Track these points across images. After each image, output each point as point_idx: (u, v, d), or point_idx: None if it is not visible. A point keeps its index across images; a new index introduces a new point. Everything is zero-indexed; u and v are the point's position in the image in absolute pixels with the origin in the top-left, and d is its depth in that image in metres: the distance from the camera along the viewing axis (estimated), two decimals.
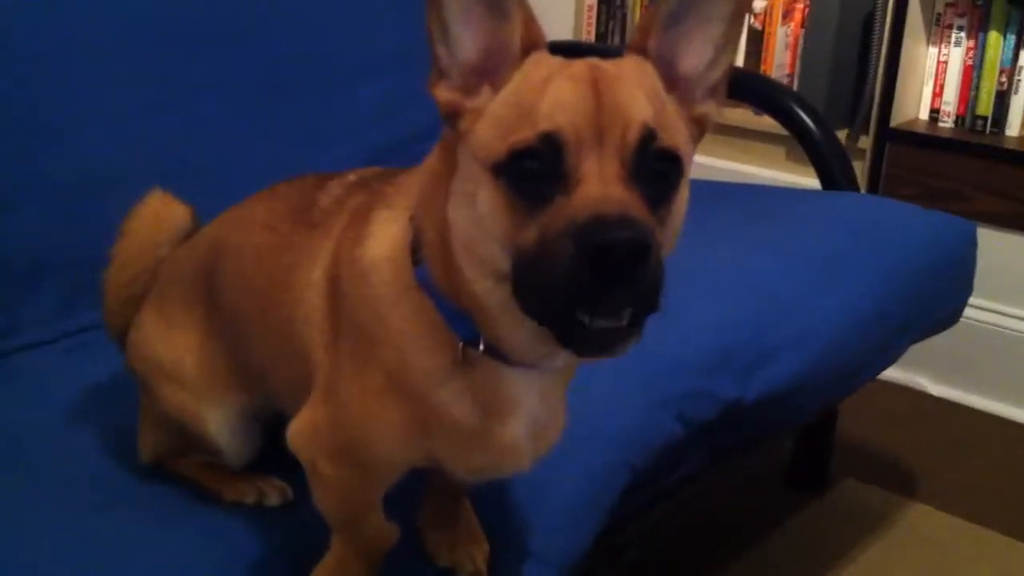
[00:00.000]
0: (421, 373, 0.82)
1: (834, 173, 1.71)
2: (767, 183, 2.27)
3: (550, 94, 0.72)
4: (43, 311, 1.38)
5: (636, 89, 0.74)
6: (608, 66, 0.75)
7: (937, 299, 1.54)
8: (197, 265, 1.08)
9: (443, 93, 0.76)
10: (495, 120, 0.74)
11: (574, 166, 0.70)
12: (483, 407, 0.84)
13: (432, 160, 0.81)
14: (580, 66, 0.74)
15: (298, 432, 0.90)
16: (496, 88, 0.75)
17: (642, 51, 0.78)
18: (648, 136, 0.72)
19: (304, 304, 0.91)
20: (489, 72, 0.75)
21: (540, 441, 0.88)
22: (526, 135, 0.71)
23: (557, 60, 0.76)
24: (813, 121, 1.73)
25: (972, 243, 1.61)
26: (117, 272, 1.16)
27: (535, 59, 0.76)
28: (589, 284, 0.68)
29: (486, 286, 0.76)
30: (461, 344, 0.81)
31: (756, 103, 2.09)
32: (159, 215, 1.16)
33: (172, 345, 1.06)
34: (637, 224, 0.68)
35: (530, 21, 0.75)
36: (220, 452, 1.06)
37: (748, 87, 1.91)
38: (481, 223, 0.74)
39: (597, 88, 0.72)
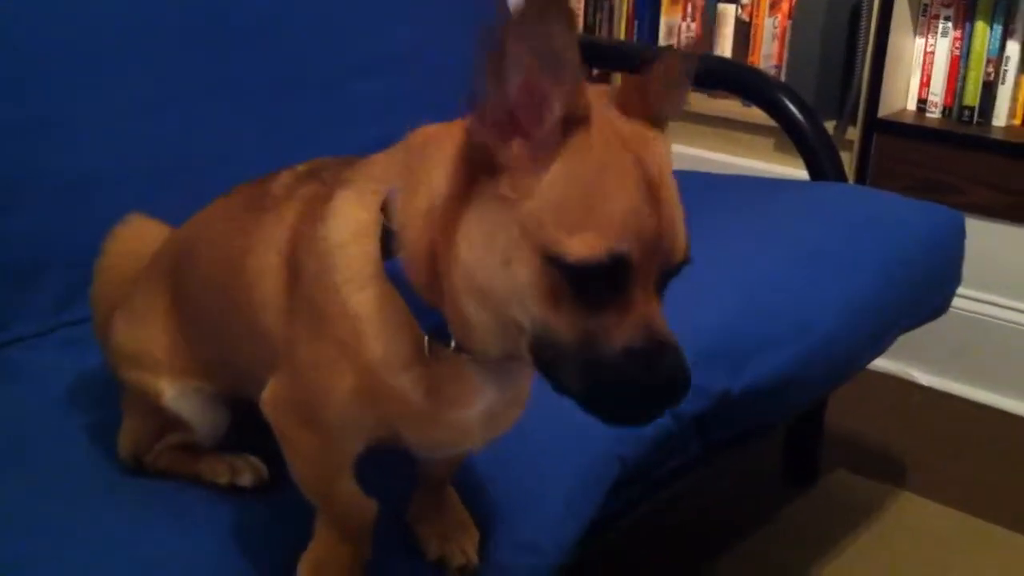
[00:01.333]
0: (380, 358, 0.83)
1: (822, 164, 1.71)
2: (755, 174, 2.27)
3: (616, 202, 0.72)
4: (40, 307, 1.39)
5: (677, 194, 0.76)
6: (651, 158, 0.75)
7: (926, 289, 1.55)
8: (162, 262, 1.11)
9: (478, 127, 0.74)
10: (554, 205, 0.73)
11: (630, 284, 0.73)
12: (439, 395, 0.84)
13: (433, 167, 0.79)
14: (629, 159, 0.74)
15: (266, 400, 0.92)
16: (534, 151, 0.73)
17: (658, 123, 0.78)
18: (687, 260, 0.76)
19: (259, 288, 0.92)
20: (523, 126, 0.73)
21: (494, 424, 0.90)
22: (597, 252, 0.71)
23: (601, 138, 0.74)
24: (801, 112, 1.73)
25: (960, 233, 1.61)
26: (101, 287, 1.20)
27: (585, 139, 0.74)
28: (636, 403, 0.74)
29: (483, 318, 0.77)
30: (427, 339, 0.81)
31: (744, 94, 2.08)
32: (138, 233, 1.20)
33: (137, 337, 1.08)
34: (683, 355, 0.74)
35: (581, 92, 0.73)
36: (191, 429, 1.08)
37: (736, 78, 1.91)
38: (510, 285, 0.74)
39: (655, 197, 0.73)
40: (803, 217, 1.53)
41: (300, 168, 0.98)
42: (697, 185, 1.75)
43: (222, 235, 1.00)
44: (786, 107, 1.74)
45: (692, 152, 2.53)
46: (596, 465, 1.11)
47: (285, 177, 0.97)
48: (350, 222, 0.83)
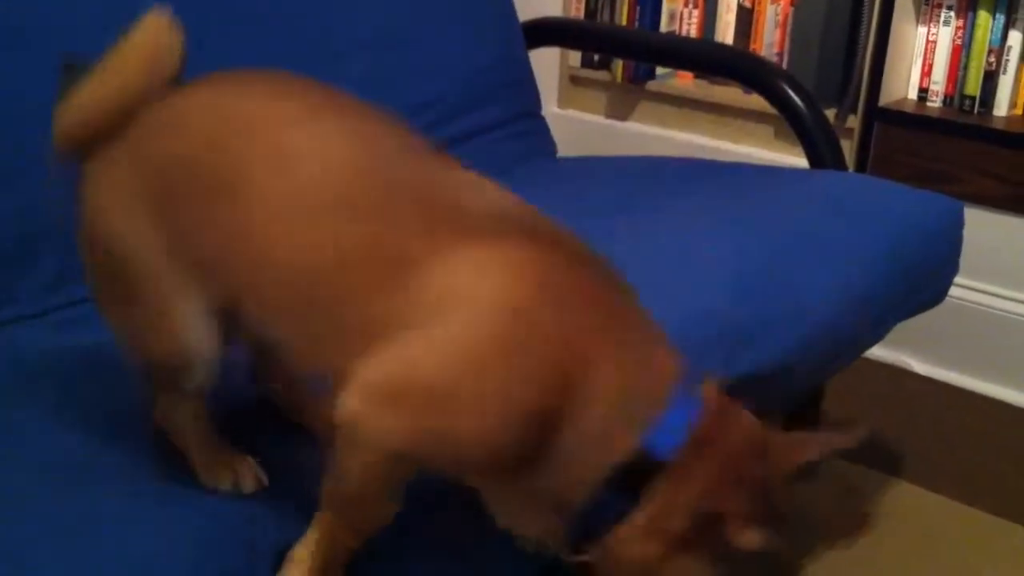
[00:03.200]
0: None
1: (822, 152, 1.71)
2: (755, 162, 2.27)
3: None
4: (34, 286, 1.37)
5: None
6: None
7: (924, 277, 1.54)
8: (179, 160, 0.93)
9: None
10: None
11: None
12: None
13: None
14: None
15: (369, 391, 0.84)
16: None
17: None
18: None
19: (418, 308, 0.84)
20: None
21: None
22: None
23: None
24: (802, 100, 1.73)
25: (959, 222, 1.61)
26: (85, 100, 0.98)
27: None
28: None
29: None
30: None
31: (745, 82, 2.08)
32: (156, 48, 0.98)
33: (135, 244, 0.95)
34: None
35: None
36: (185, 350, 0.96)
37: (737, 65, 1.91)
38: None
39: None
40: (800, 205, 1.53)
41: (510, 198, 0.90)
42: (695, 172, 1.77)
43: (366, 239, 0.86)
44: (786, 94, 1.74)
45: (691, 139, 2.53)
46: None
47: (494, 193, 0.90)
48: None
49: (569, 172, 1.92)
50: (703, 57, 2.04)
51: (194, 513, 0.98)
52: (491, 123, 1.92)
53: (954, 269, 1.61)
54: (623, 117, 2.67)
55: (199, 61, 1.45)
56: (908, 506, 1.82)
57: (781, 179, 1.68)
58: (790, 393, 1.45)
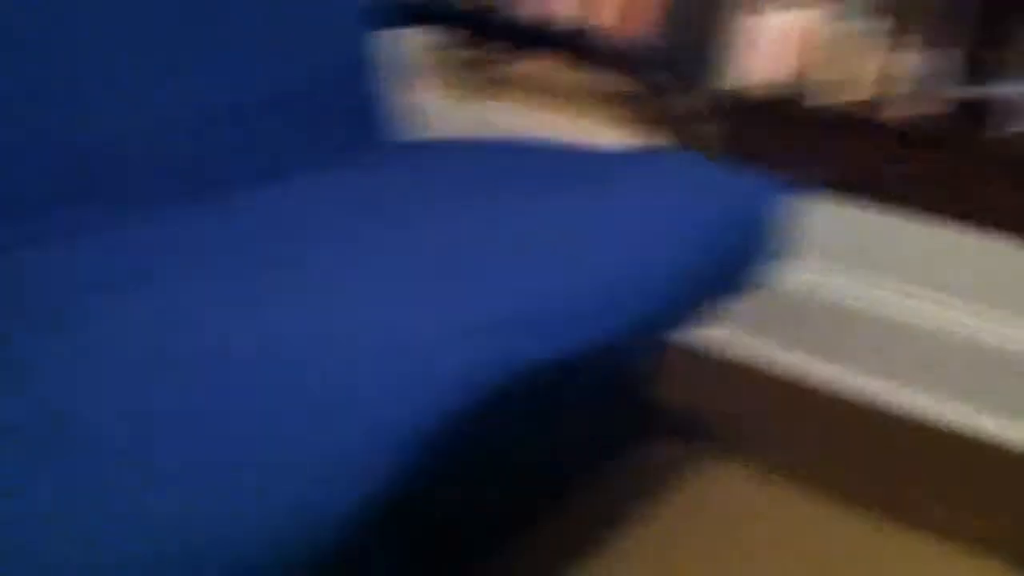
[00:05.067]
0: None
1: (672, 134, 1.71)
2: (605, 144, 2.27)
3: None
4: None
5: None
6: None
7: (743, 261, 1.55)
8: None
9: None
10: None
11: None
12: None
13: None
14: None
15: None
16: None
17: None
18: None
19: None
20: None
21: None
22: None
23: None
24: (650, 82, 1.73)
25: (787, 205, 1.62)
26: None
27: None
28: None
29: None
30: None
31: (596, 63, 2.07)
32: None
33: None
34: None
35: None
36: None
37: (588, 46, 1.90)
38: None
39: None
40: (627, 186, 1.53)
41: None
42: (513, 153, 1.75)
43: None
44: (635, 76, 1.74)
45: (551, 120, 2.52)
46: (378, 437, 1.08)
47: None
48: None
49: (415, 155, 1.89)
50: (561, 39, 2.03)
51: None
52: (334, 107, 1.88)
53: (778, 252, 1.62)
54: (482, 99, 2.65)
55: None
56: (732, 486, 1.83)
57: (610, 161, 1.68)
58: (614, 374, 1.44)
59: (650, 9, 2.36)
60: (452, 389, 1.14)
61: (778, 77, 2.25)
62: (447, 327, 1.15)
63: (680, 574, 1.61)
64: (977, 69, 2.11)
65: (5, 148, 1.40)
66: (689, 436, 1.95)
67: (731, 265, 1.52)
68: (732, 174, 1.63)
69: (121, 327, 1.08)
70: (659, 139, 1.76)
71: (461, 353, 1.16)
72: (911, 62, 2.15)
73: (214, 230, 1.40)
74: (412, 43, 2.66)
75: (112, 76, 1.53)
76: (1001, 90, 2.11)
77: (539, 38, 2.12)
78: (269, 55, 1.74)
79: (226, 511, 0.89)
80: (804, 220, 1.66)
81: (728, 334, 2.26)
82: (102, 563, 0.84)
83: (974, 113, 2.12)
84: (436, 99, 2.67)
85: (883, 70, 2.17)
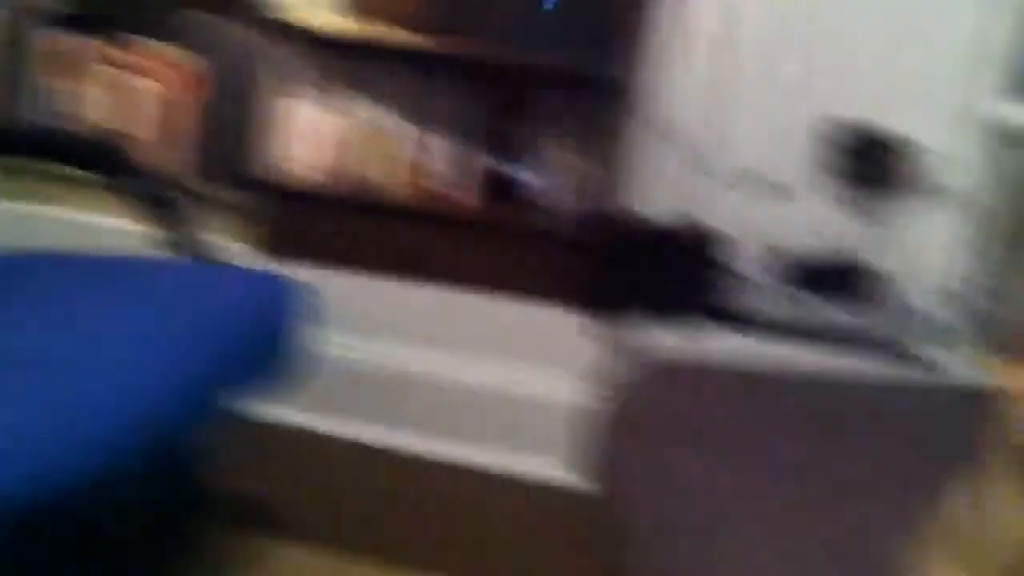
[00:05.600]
0: None
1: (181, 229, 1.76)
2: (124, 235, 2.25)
3: None
4: None
5: None
6: None
7: (258, 351, 1.61)
8: None
9: None
10: None
11: None
12: None
13: None
14: None
15: None
16: None
17: None
18: None
19: None
20: None
21: None
22: None
23: None
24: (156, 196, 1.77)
25: (303, 292, 1.69)
26: None
27: None
28: None
29: None
30: None
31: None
32: None
33: None
34: None
35: None
36: None
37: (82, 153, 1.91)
38: None
39: None
40: (120, 299, 1.52)
41: None
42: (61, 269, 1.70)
43: None
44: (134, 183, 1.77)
45: (63, 214, 2.46)
46: None
47: None
48: None
49: None
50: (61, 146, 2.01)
51: None
52: None
53: (301, 338, 1.68)
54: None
55: None
56: (291, 565, 1.89)
57: (109, 271, 1.68)
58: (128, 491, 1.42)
59: (189, 118, 2.39)
60: None
61: (316, 169, 2.36)
62: None
63: None
64: (493, 158, 2.37)
65: None
66: (245, 520, 1.97)
67: (246, 358, 1.57)
68: (233, 272, 1.69)
69: None
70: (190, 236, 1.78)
71: None
72: (438, 155, 2.37)
73: None
74: None
75: None
76: (507, 171, 2.38)
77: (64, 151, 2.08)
78: None
79: None
80: (337, 300, 1.75)
81: (281, 412, 2.33)
82: None
83: (500, 197, 2.38)
84: None
85: (413, 163, 2.36)
